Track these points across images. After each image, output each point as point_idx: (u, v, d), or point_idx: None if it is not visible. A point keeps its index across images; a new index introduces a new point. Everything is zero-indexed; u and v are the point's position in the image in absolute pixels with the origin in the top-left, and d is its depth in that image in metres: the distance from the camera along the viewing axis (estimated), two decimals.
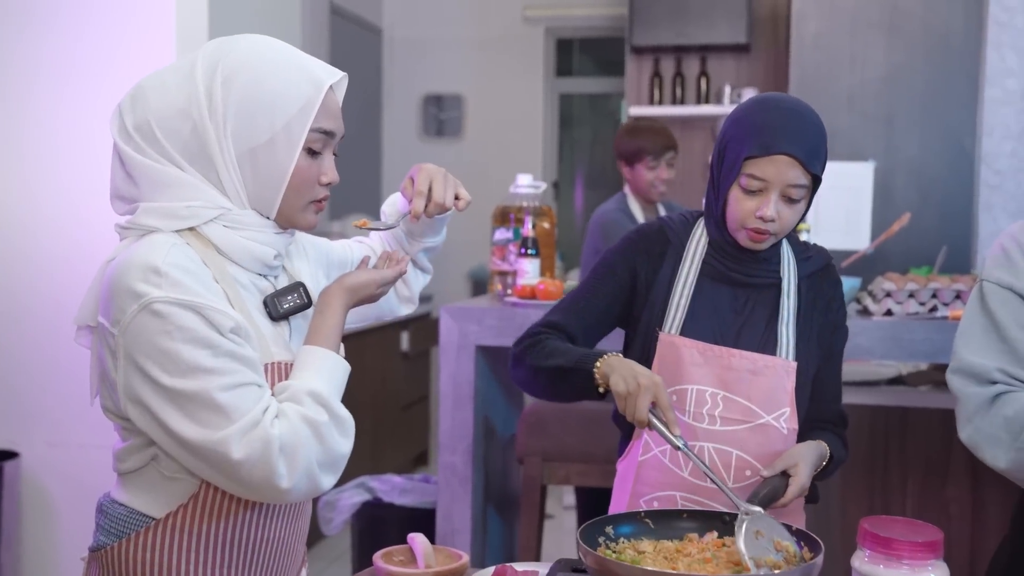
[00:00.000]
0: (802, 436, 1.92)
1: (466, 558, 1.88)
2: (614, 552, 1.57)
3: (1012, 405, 1.73)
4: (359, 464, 3.47)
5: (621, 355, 1.81)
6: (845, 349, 2.74)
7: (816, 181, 1.84)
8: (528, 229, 3.20)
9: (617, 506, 1.99)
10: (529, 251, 3.16)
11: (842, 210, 4.24)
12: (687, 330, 1.91)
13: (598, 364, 1.77)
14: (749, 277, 1.93)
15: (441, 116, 6.83)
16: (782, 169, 1.80)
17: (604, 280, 2.00)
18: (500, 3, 6.65)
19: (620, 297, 1.99)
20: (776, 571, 1.49)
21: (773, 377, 1.89)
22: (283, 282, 1.57)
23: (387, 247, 1.85)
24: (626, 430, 2.03)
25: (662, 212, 4.04)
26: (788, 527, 1.62)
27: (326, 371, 1.46)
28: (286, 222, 1.53)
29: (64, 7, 3.70)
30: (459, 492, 2.94)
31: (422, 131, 6.83)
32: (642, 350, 1.96)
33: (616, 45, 6.18)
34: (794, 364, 1.90)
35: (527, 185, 3.38)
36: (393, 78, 6.84)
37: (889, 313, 3.00)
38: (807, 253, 2.00)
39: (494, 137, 6.68)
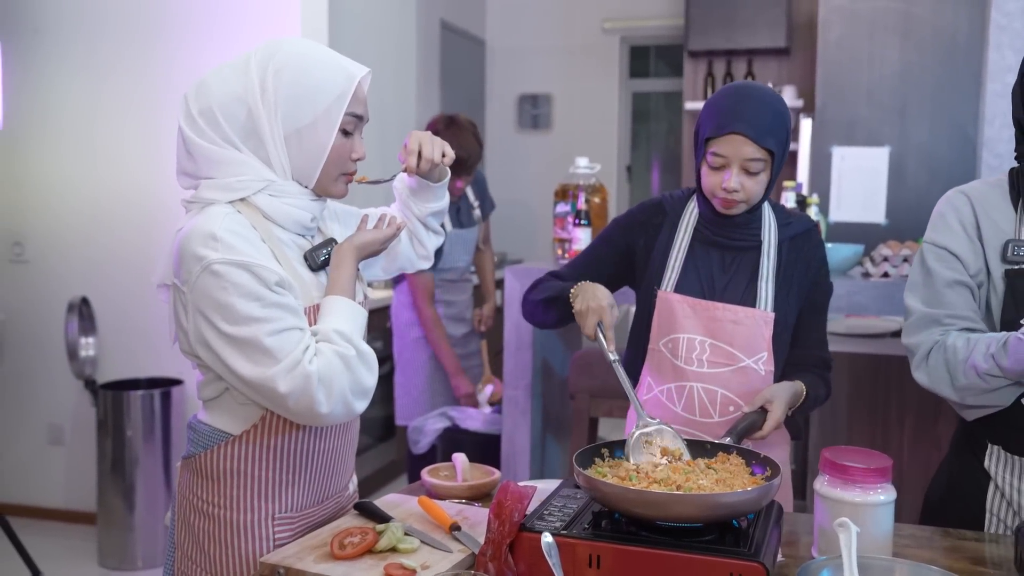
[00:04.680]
0: (785, 376, 1.85)
1: (497, 474, 1.85)
2: (603, 471, 1.52)
3: (950, 347, 1.64)
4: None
5: (592, 282, 1.77)
6: (840, 304, 2.63)
7: (775, 155, 1.76)
8: (581, 203, 3.14)
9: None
10: (582, 222, 3.10)
11: (861, 188, 4.07)
12: (680, 288, 1.86)
13: (572, 290, 1.77)
14: (733, 241, 1.87)
15: (534, 112, 6.76)
16: (737, 146, 1.73)
17: (603, 246, 1.99)
18: (583, 16, 6.54)
19: (615, 262, 1.96)
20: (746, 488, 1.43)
21: (753, 326, 1.82)
22: (319, 240, 1.56)
23: (400, 214, 1.79)
24: (634, 374, 1.99)
25: None
26: (732, 448, 1.57)
27: (347, 314, 1.45)
28: (322, 191, 1.52)
29: (198, 25, 3.76)
30: (519, 421, 2.93)
31: (518, 125, 6.78)
32: (645, 306, 1.92)
33: (679, 51, 6.02)
34: (771, 315, 1.83)
35: (584, 167, 3.32)
36: (494, 81, 6.80)
37: (886, 275, 2.86)
38: (788, 219, 1.91)
39: (577, 129, 6.60)
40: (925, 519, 1.81)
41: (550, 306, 1.86)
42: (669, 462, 1.47)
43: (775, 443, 1.90)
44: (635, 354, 1.96)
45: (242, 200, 1.45)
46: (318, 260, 1.52)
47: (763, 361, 1.82)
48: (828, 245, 2.91)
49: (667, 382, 1.87)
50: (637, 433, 1.53)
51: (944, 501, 1.79)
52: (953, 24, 3.95)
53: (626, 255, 1.95)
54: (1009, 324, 1.62)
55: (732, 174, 1.75)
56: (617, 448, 1.60)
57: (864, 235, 3.77)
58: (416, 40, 5.59)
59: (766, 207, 1.89)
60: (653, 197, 1.99)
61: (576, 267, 1.98)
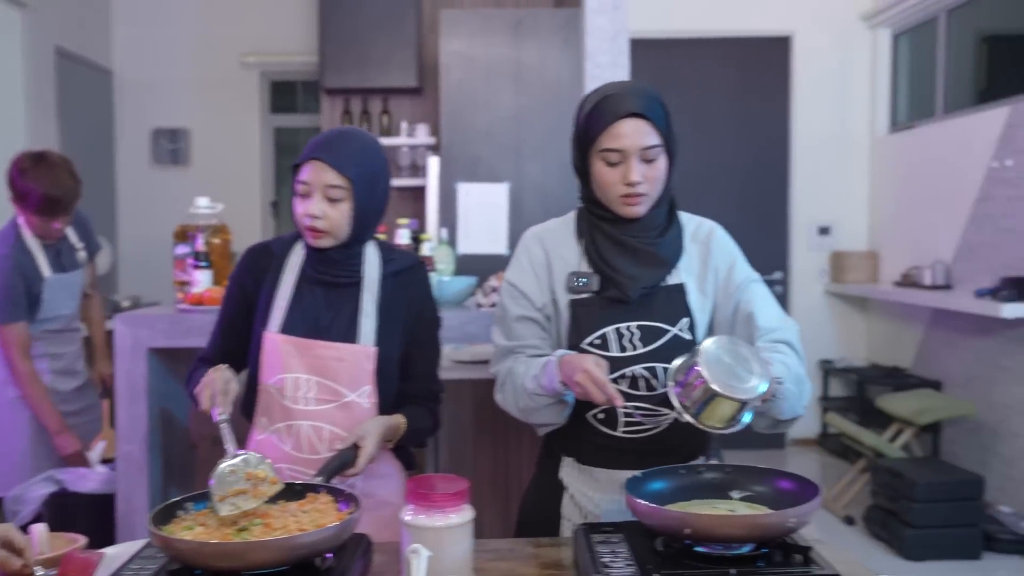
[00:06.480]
0: (395, 408, 1.93)
1: (83, 541, 1.75)
2: (189, 526, 1.49)
3: (514, 371, 1.82)
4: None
5: (224, 368, 1.79)
6: (454, 335, 2.77)
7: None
8: (200, 245, 3.04)
9: None
10: (201, 263, 3.01)
11: (485, 221, 4.33)
12: (286, 328, 1.89)
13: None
14: (335, 278, 1.91)
15: (171, 147, 6.47)
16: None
17: (227, 306, 2.00)
18: (220, 50, 6.37)
19: (243, 315, 1.97)
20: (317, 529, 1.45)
21: (354, 362, 1.88)
22: None
23: None
24: (249, 415, 1.98)
25: None
26: (321, 487, 1.64)
27: None
28: None
29: None
30: (136, 477, 2.76)
31: (153, 160, 6.45)
32: (257, 348, 1.91)
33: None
34: (373, 349, 1.89)
35: (204, 207, 3.23)
36: (124, 114, 6.42)
37: (494, 305, 3.05)
38: (392, 256, 1.98)
39: (218, 164, 6.41)
40: (519, 531, 1.96)
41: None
42: (254, 485, 1.49)
43: (387, 475, 1.96)
44: (249, 396, 1.96)
45: None
46: None
47: (367, 395, 1.89)
48: (445, 279, 3.06)
49: (277, 422, 1.90)
50: (223, 465, 1.56)
51: (531, 512, 1.95)
52: (557, 73, 4.36)
53: (247, 305, 1.96)
54: (574, 348, 1.80)
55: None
56: (200, 500, 1.57)
57: (490, 266, 3.99)
58: (23, 68, 5.14)
59: (370, 245, 1.95)
60: (261, 242, 2.00)
61: (214, 339, 2.00)
